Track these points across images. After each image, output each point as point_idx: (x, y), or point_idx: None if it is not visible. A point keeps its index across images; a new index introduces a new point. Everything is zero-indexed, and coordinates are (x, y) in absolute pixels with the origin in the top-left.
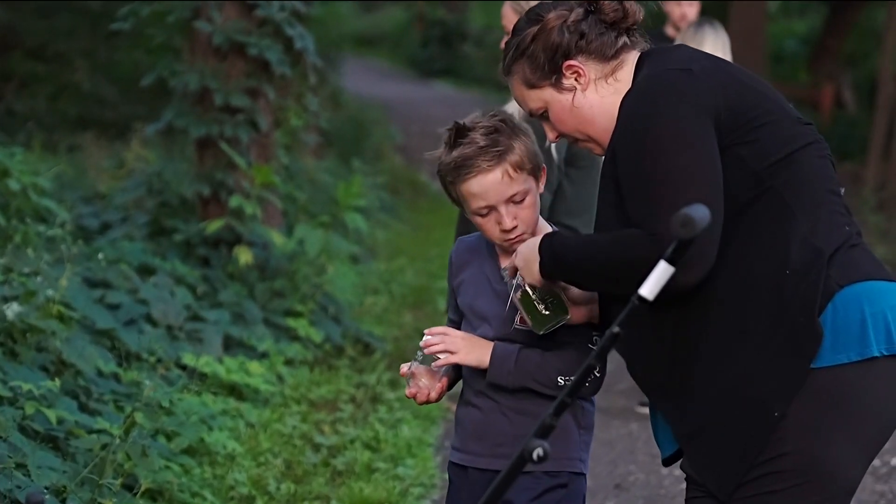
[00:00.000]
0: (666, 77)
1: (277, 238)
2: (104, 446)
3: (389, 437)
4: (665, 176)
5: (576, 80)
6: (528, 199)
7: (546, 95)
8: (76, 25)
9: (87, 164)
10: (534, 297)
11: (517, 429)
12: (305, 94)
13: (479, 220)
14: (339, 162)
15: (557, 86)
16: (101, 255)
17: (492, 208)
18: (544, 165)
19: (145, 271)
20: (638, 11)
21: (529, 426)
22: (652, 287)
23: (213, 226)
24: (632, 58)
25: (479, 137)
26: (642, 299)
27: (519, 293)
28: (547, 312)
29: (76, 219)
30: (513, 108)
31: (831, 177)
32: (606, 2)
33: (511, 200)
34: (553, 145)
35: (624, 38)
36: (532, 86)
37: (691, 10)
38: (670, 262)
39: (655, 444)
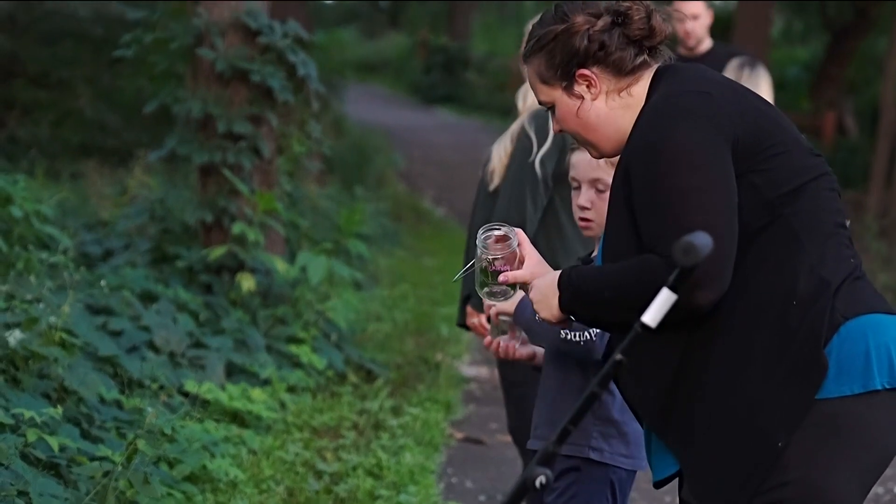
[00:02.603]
0: (685, 99)
1: (280, 265)
2: (106, 473)
3: (392, 464)
4: (681, 198)
5: (587, 87)
6: (607, 195)
7: (555, 95)
8: (79, 53)
9: (90, 191)
10: (489, 281)
11: None
12: (308, 121)
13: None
14: (341, 188)
15: (568, 90)
16: (103, 282)
17: (580, 184)
18: None
19: (148, 298)
20: (665, 30)
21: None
22: (654, 314)
23: (216, 253)
24: (648, 74)
25: None
26: (645, 326)
27: (483, 264)
28: (488, 289)
29: (79, 246)
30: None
31: (839, 209)
32: (636, 17)
33: (594, 185)
34: (538, 160)
35: (644, 56)
36: (544, 81)
37: (697, 27)
38: (672, 289)
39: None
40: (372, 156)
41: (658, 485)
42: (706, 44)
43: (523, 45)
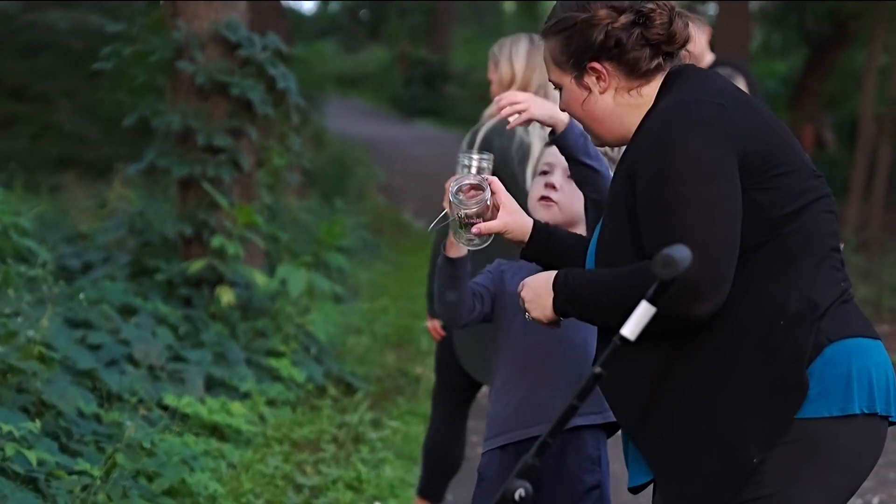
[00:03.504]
0: (698, 108)
1: (260, 278)
2: (85, 488)
3: (372, 477)
4: (689, 209)
5: (596, 80)
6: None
7: (565, 80)
8: (58, 65)
9: (69, 204)
10: (464, 231)
11: None
12: (288, 134)
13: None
14: (321, 201)
15: (577, 79)
16: (82, 296)
17: (552, 169)
18: None
19: (127, 311)
20: (684, 36)
21: None
22: (633, 327)
23: (196, 266)
24: (660, 76)
25: None
26: (624, 339)
27: (457, 214)
28: (464, 239)
29: (58, 259)
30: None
31: (835, 232)
32: (658, 20)
33: (567, 172)
34: (528, 174)
35: (659, 60)
36: (557, 64)
37: (693, 49)
38: (652, 301)
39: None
40: (352, 169)
41: (634, 490)
42: (707, 59)
43: (545, 20)
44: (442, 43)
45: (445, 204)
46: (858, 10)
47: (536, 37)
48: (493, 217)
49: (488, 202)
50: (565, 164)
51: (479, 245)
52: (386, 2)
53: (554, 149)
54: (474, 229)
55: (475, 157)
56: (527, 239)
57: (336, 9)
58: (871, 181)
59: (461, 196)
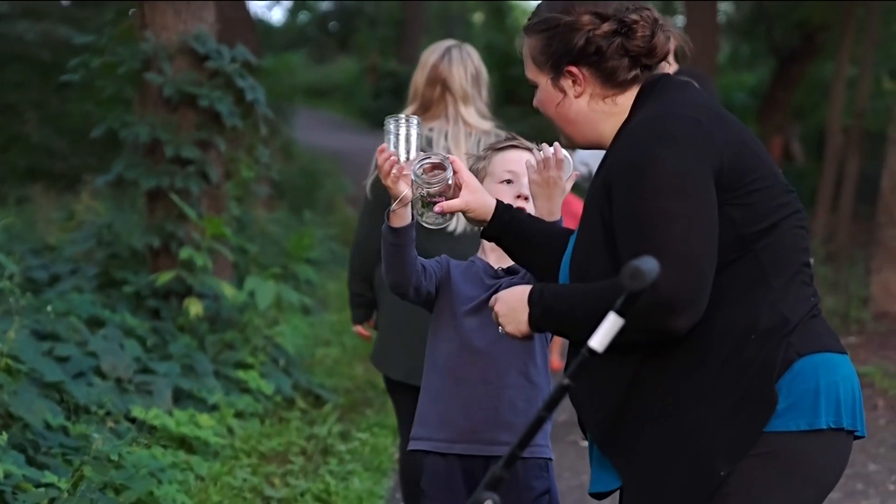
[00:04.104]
0: (675, 122)
1: (228, 290)
2: (52, 500)
3: (340, 489)
4: (666, 223)
5: (572, 84)
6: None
7: (541, 80)
8: (26, 77)
9: (37, 215)
10: (426, 210)
11: None
12: (257, 146)
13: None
14: (290, 213)
15: (553, 81)
16: (49, 308)
17: (517, 177)
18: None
19: (95, 323)
20: (665, 51)
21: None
22: (602, 339)
23: (164, 278)
24: (637, 86)
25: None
26: (592, 352)
27: (419, 193)
28: (427, 219)
29: (25, 271)
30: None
31: (806, 248)
32: (639, 32)
33: None
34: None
35: (637, 71)
36: (535, 62)
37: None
38: (620, 313)
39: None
40: (321, 180)
41: (596, 496)
42: (671, 70)
43: (530, 17)
44: (411, 54)
45: (387, 182)
46: (826, 21)
47: (460, 49)
48: (456, 196)
49: (450, 181)
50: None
51: (442, 224)
52: (355, 13)
53: (514, 156)
54: (437, 208)
55: (402, 120)
56: (489, 218)
57: (305, 20)
58: (838, 192)
59: (423, 175)
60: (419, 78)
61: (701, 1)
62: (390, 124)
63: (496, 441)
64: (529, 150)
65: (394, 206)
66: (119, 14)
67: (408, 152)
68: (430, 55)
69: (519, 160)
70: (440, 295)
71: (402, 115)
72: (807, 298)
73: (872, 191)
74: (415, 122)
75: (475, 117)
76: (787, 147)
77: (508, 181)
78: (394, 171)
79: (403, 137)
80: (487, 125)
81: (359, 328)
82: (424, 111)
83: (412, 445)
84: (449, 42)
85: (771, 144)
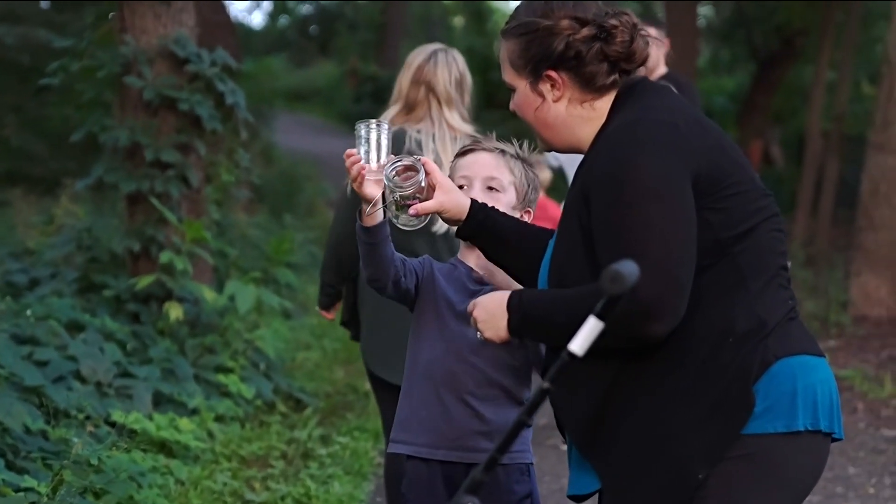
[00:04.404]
0: (653, 128)
1: (208, 294)
2: None
3: (321, 493)
4: (645, 228)
5: (551, 88)
6: (501, 197)
7: (519, 84)
8: (5, 81)
9: (16, 219)
10: (401, 213)
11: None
12: (237, 150)
13: None
14: (270, 217)
15: (532, 85)
16: (29, 312)
17: (471, 182)
18: (529, 210)
19: (74, 328)
20: (644, 55)
21: None
22: (582, 342)
23: (144, 282)
24: (615, 91)
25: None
26: (572, 355)
27: (392, 197)
28: (402, 221)
29: (4, 275)
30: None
31: (783, 252)
32: (619, 38)
33: (487, 183)
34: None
35: (615, 76)
36: (513, 66)
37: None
38: (600, 317)
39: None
40: (301, 184)
41: (575, 499)
42: (660, 70)
43: (507, 21)
44: (391, 58)
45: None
46: (805, 25)
47: (446, 53)
48: (430, 197)
49: (423, 183)
50: (483, 174)
51: (417, 226)
52: (335, 17)
53: (468, 159)
54: (411, 210)
55: (372, 125)
56: (463, 218)
57: (285, 24)
58: (818, 196)
59: (396, 178)
60: (404, 78)
61: (681, 3)
62: (361, 129)
63: (478, 448)
64: (494, 150)
65: (367, 209)
66: (98, 18)
67: (378, 157)
68: (416, 57)
69: (472, 164)
70: (422, 295)
71: (373, 121)
72: (784, 301)
73: (852, 195)
74: (385, 127)
75: (458, 120)
76: (767, 151)
77: (461, 186)
78: (363, 173)
79: (374, 142)
80: (469, 129)
81: (323, 312)
82: (409, 112)
83: (392, 448)
84: (436, 45)
85: (751, 148)
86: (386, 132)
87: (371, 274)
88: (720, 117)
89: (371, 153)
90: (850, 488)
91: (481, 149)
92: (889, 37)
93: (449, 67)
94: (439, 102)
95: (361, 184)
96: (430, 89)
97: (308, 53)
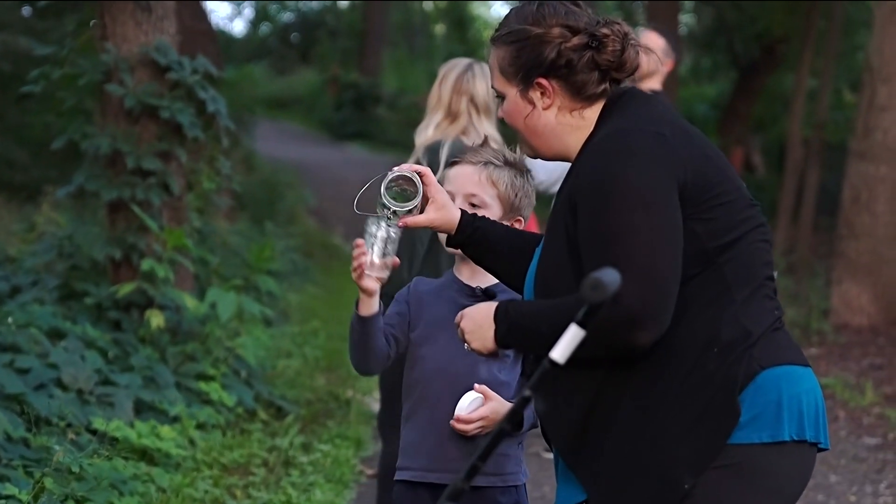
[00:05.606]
0: (640, 137)
1: (189, 301)
2: None
3: (302, 501)
4: (629, 237)
5: (541, 95)
6: (484, 213)
7: (509, 91)
8: None
9: None
10: (388, 213)
11: None
12: (218, 158)
13: None
14: (251, 225)
15: (522, 93)
16: (10, 319)
17: (453, 197)
18: (520, 218)
19: (55, 335)
20: (634, 65)
21: None
22: (563, 350)
23: (125, 289)
24: (604, 100)
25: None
26: (553, 363)
27: (386, 213)
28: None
29: None
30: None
31: (769, 262)
32: (610, 47)
33: (469, 199)
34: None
35: (605, 85)
36: (503, 73)
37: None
38: (581, 325)
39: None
40: (282, 192)
41: None
42: (653, 85)
43: (496, 28)
44: (372, 66)
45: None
46: (787, 33)
47: (480, 65)
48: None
49: (418, 202)
50: (464, 190)
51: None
52: (316, 25)
53: (453, 172)
54: (400, 223)
55: (382, 221)
56: (453, 232)
57: (266, 32)
58: (799, 204)
59: (395, 188)
60: (444, 88)
61: (663, 10)
62: (371, 226)
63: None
64: (478, 163)
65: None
66: (80, 25)
67: (384, 254)
68: (453, 69)
69: (455, 178)
70: (412, 331)
71: (383, 216)
72: (770, 311)
73: (833, 202)
74: (396, 223)
75: (492, 130)
76: (748, 159)
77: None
78: (363, 268)
79: (380, 239)
80: (499, 138)
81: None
82: (453, 119)
83: (398, 476)
84: (467, 59)
85: (732, 156)
86: (396, 228)
87: (358, 362)
88: (701, 125)
89: (375, 249)
90: (832, 496)
91: (466, 161)
92: (870, 45)
93: (486, 79)
94: (478, 112)
95: (360, 277)
96: (471, 99)
97: (289, 61)
